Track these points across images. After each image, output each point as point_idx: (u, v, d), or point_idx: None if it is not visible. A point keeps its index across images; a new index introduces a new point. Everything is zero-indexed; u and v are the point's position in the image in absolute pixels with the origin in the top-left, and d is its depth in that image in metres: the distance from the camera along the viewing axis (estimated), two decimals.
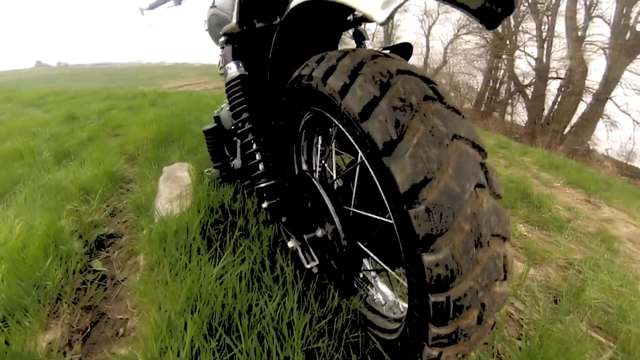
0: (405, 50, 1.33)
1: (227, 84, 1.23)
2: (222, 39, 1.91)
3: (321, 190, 1.02)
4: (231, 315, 1.12)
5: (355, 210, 0.96)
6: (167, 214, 1.65)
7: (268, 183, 1.17)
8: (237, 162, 1.47)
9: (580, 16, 13.44)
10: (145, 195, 1.99)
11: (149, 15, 2.12)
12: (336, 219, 0.96)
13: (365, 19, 1.14)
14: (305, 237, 1.13)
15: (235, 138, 1.56)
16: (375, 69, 0.69)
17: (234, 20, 1.31)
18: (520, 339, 1.38)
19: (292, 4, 0.88)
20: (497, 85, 18.92)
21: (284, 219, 1.19)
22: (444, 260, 0.60)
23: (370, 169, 0.71)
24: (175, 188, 1.98)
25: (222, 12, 1.82)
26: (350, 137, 0.75)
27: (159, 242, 1.45)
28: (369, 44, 1.39)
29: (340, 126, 0.77)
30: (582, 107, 13.69)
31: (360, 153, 0.74)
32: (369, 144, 0.66)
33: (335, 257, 1.01)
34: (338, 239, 0.96)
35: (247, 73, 1.22)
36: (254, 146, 1.19)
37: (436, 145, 0.61)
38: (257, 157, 1.19)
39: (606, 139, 13.51)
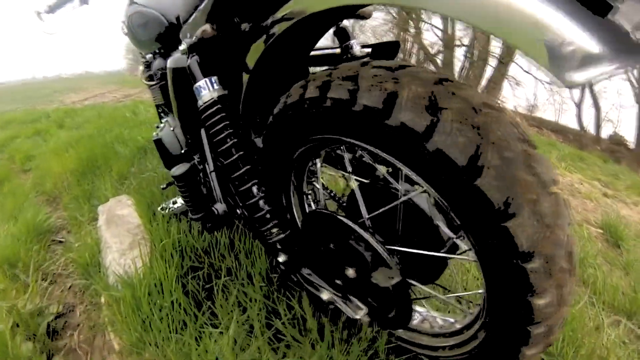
0: (391, 48, 1.20)
1: (202, 111, 0.94)
2: (155, 45, 1.56)
3: (357, 229, 0.83)
4: None
5: (407, 249, 0.83)
6: (127, 273, 1.32)
7: (284, 235, 0.94)
8: (220, 207, 1.19)
9: None
10: (87, 250, 1.61)
11: (49, 20, 1.70)
12: (388, 257, 0.80)
13: (362, 16, 0.92)
14: (338, 282, 0.93)
15: (210, 174, 1.27)
16: (458, 104, 0.60)
17: (192, 19, 1.03)
18: None
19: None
20: (409, 56, 19.81)
21: (306, 271, 0.97)
22: (541, 267, 0.60)
23: (439, 198, 0.66)
24: (124, 235, 1.62)
25: (149, 9, 1.48)
26: (404, 167, 0.68)
27: (132, 314, 1.13)
28: (355, 44, 1.19)
29: (391, 157, 0.69)
30: (489, 71, 14.94)
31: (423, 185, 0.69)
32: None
33: (382, 297, 0.85)
34: (386, 277, 0.82)
35: (226, 92, 0.95)
36: (256, 193, 0.93)
37: None
38: (264, 206, 0.93)
39: (512, 97, 14.94)
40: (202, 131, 1.28)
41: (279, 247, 0.97)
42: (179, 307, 1.16)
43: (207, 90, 0.94)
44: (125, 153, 3.19)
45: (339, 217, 0.87)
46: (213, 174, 1.23)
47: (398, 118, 0.61)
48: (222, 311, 1.20)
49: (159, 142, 1.63)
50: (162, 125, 1.73)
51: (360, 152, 1.07)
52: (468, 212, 0.62)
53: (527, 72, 14.26)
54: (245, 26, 0.88)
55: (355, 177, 0.96)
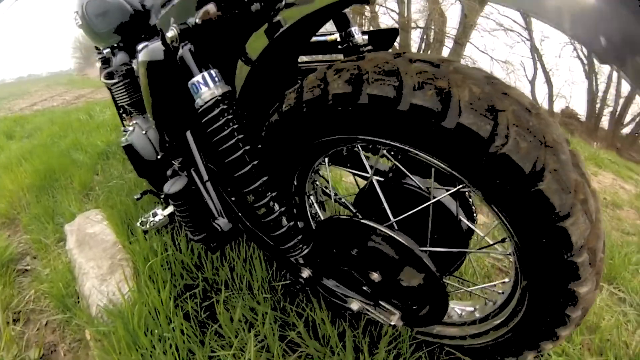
0: (390, 36, 1.15)
1: (202, 112, 0.78)
2: (115, 38, 1.39)
3: (389, 232, 0.75)
4: None
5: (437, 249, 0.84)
6: (113, 302, 1.16)
7: (308, 249, 0.82)
8: (222, 222, 1.03)
9: None
10: (60, 278, 1.42)
11: None
12: (427, 260, 0.75)
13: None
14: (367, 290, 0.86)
15: (204, 184, 1.11)
16: (513, 105, 0.57)
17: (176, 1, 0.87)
18: None
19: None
20: None
21: (331, 283, 0.86)
22: (587, 259, 0.61)
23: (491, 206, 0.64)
24: (101, 257, 1.44)
25: None
26: (453, 171, 0.64)
27: (128, 350, 0.99)
28: (356, 30, 1.07)
29: (435, 159, 0.65)
30: (446, 52, 15.10)
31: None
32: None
33: (418, 297, 0.81)
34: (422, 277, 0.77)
35: (230, 88, 0.78)
36: (276, 207, 0.78)
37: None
38: (285, 222, 0.80)
39: None
40: (189, 134, 1.12)
41: (300, 262, 0.85)
42: (182, 334, 1.03)
43: (207, 86, 0.77)
44: (86, 161, 2.93)
45: (369, 223, 0.78)
46: (209, 184, 1.08)
47: (456, 120, 0.56)
48: (228, 330, 1.08)
49: (129, 148, 1.44)
50: (130, 128, 1.54)
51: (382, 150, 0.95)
52: (524, 214, 0.60)
53: (483, 51, 14.58)
54: (256, 6, 0.72)
55: (376, 178, 0.87)
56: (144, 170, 1.49)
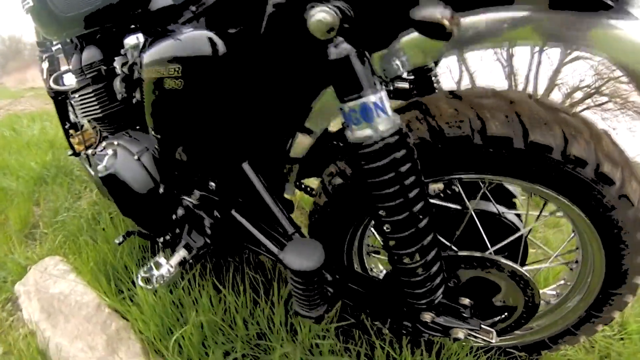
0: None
1: (363, 148, 0.54)
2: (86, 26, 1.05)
3: (504, 261, 0.76)
4: None
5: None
6: None
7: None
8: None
9: None
10: None
11: None
12: (531, 281, 0.77)
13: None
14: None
15: (293, 235, 0.79)
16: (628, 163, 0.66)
17: None
18: None
19: None
20: None
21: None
22: None
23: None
24: (88, 330, 1.05)
25: None
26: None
27: None
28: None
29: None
30: None
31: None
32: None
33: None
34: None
35: None
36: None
37: None
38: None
39: None
40: (247, 167, 0.81)
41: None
42: None
43: (385, 113, 0.54)
44: (19, 189, 2.35)
45: (486, 256, 0.77)
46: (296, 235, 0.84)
47: (595, 169, 0.62)
48: None
49: (111, 179, 1.06)
50: (106, 151, 1.14)
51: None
52: (609, 220, 0.66)
53: None
54: None
55: (474, 209, 0.81)
56: (133, 207, 1.12)
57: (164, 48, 0.78)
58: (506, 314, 0.84)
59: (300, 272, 0.69)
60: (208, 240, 1.04)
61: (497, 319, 0.85)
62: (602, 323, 0.84)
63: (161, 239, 1.15)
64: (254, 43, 0.72)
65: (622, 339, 1.22)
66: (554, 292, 0.93)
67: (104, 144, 1.21)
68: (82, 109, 1.25)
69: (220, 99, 0.80)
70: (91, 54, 1.15)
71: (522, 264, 0.84)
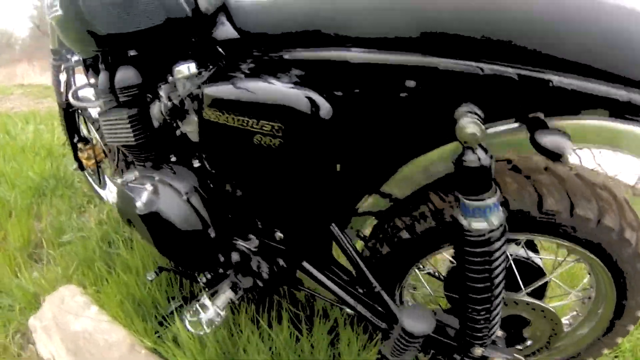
0: None
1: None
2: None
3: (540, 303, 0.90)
4: None
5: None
6: None
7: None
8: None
9: None
10: None
11: None
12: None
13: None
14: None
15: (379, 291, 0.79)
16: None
17: None
18: None
19: None
20: None
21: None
22: None
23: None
24: None
25: None
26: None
27: None
28: None
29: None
30: None
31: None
32: None
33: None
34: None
35: None
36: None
37: None
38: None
39: None
40: (336, 230, 0.79)
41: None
42: None
43: (498, 209, 0.62)
44: (17, 200, 2.22)
45: (530, 300, 0.89)
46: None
47: (605, 223, 0.73)
48: None
49: (153, 218, 0.99)
50: (143, 185, 1.06)
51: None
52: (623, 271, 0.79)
53: None
54: None
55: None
56: (175, 247, 1.05)
57: (249, 96, 0.72)
58: (531, 342, 0.97)
59: (417, 335, 0.79)
60: (260, 283, 1.00)
61: (521, 347, 0.98)
62: (607, 347, 0.97)
63: (203, 279, 1.09)
64: (360, 108, 0.69)
65: (616, 356, 1.30)
66: (568, 322, 1.05)
67: (135, 173, 1.13)
68: (111, 133, 1.15)
69: (317, 161, 0.76)
70: (127, 76, 1.02)
71: (541, 298, 0.95)
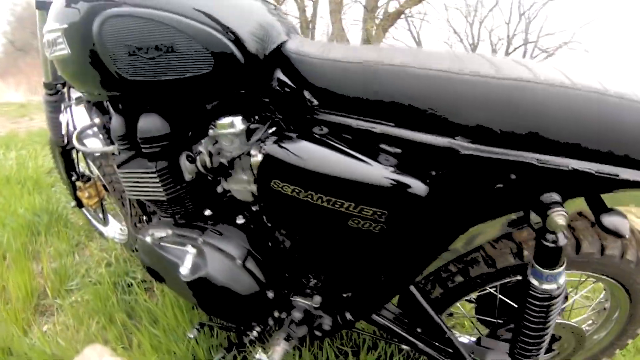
0: None
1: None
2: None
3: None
4: None
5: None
6: None
7: None
8: None
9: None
10: None
11: None
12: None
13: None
14: None
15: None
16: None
17: None
18: None
19: None
20: None
21: None
22: None
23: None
24: None
25: (183, 18, 0.73)
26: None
27: None
28: None
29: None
30: None
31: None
32: None
33: None
34: None
35: None
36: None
37: None
38: None
39: None
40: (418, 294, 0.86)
41: None
42: None
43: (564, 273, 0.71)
44: (10, 241, 2.05)
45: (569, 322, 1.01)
46: None
47: (627, 258, 0.88)
48: None
49: (202, 284, 0.91)
50: (184, 247, 0.96)
51: None
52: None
53: None
54: None
55: None
56: (228, 309, 0.98)
57: (347, 175, 0.65)
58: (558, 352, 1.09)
59: None
60: (319, 334, 0.96)
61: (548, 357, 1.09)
62: (619, 348, 1.13)
63: (254, 333, 1.02)
64: (454, 192, 0.68)
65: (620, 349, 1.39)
66: (585, 329, 1.16)
67: (168, 231, 1.04)
68: (134, 186, 1.02)
69: (414, 241, 0.72)
70: (153, 125, 0.88)
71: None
